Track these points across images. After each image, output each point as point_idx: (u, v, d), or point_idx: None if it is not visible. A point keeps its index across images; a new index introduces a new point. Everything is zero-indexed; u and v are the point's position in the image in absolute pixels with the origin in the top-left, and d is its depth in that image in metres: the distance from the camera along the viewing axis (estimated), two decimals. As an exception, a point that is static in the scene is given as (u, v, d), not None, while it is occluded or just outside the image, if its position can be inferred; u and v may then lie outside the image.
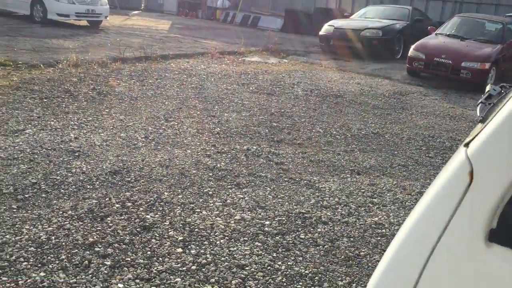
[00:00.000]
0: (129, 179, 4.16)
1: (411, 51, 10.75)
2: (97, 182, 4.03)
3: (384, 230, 3.67)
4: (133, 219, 3.49)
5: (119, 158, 4.59)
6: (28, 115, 5.59)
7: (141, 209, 3.66)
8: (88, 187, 3.94)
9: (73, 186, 3.91)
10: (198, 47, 12.67)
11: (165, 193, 3.97)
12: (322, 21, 14.65)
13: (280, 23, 20.43)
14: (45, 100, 6.28)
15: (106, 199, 3.76)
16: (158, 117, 6.07)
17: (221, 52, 12.01)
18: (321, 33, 13.52)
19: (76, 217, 3.44)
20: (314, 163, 5.03)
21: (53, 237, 3.15)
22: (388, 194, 4.37)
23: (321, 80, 9.75)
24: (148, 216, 3.55)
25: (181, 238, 3.30)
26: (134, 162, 4.52)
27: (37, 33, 11.83)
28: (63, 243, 3.10)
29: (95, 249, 3.07)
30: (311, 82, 9.41)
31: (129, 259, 3.00)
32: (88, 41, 11.60)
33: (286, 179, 4.53)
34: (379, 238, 3.55)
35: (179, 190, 4.05)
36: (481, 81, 9.92)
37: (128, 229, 3.35)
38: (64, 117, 5.71)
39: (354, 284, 2.95)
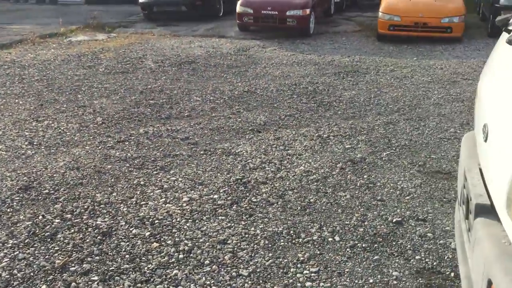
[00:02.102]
0: (47, 191, 3.84)
1: (238, 7, 11.21)
2: (14, 203, 3.64)
3: (315, 176, 4.08)
4: (84, 229, 3.30)
5: (18, 172, 4.16)
6: None
7: (84, 217, 3.46)
8: (8, 210, 3.55)
9: (-6, 214, 3.48)
10: (11, 34, 11.35)
11: (97, 195, 3.78)
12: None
13: (84, -5, 19.11)
14: None
15: (39, 217, 3.45)
16: (25, 120, 5.51)
17: (40, 36, 10.98)
18: (141, 0, 13.17)
19: (22, 244, 3.12)
20: (214, 131, 5.18)
21: (15, 271, 2.85)
22: (296, 144, 4.78)
23: (164, 49, 9.67)
24: (99, 222, 3.39)
25: (148, 233, 3.25)
26: (38, 172, 4.14)
27: None
28: (32, 275, 2.83)
29: (71, 269, 2.88)
30: (156, 53, 9.28)
31: (114, 267, 2.89)
32: None
33: (201, 152, 4.62)
34: (315, 184, 3.94)
35: (109, 189, 3.89)
36: (305, 26, 10.93)
37: (88, 240, 3.17)
38: None
39: (324, 227, 3.31)
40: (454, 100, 6.11)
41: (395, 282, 2.76)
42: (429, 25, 9.93)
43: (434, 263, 2.91)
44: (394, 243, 3.12)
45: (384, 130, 5.12)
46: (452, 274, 2.80)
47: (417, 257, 2.97)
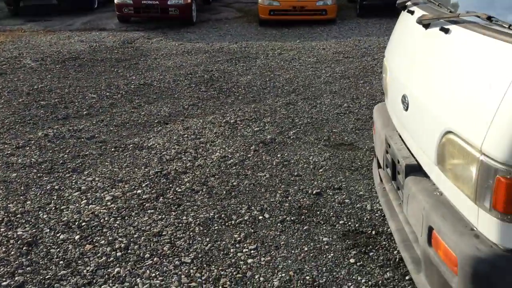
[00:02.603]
0: (-51, 208, 3.53)
1: (117, -2, 10.86)
2: None
3: (232, 160, 4.22)
4: (5, 241, 3.12)
5: None
6: None
7: (2, 229, 3.25)
8: None
9: None
10: None
11: (10, 205, 3.56)
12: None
13: None
14: None
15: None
16: None
17: None
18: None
19: None
20: (119, 127, 5.08)
21: None
22: (206, 132, 4.88)
23: (41, 46, 9.09)
24: (20, 232, 3.21)
25: (78, 236, 3.17)
26: None
27: None
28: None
29: (3, 284, 2.73)
30: (33, 50, 8.71)
31: (50, 275, 2.79)
32: None
33: (112, 149, 4.53)
34: (234, 168, 4.09)
35: (21, 197, 3.68)
36: (188, 15, 10.93)
37: (13, 252, 3.01)
38: None
39: (252, 207, 3.47)
40: (341, 78, 6.61)
41: (326, 246, 3.02)
42: (306, 9, 10.49)
43: (356, 225, 3.22)
44: (318, 212, 3.39)
45: (285, 110, 5.41)
46: (374, 232, 3.13)
47: (340, 222, 3.27)
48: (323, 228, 3.20)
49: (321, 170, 4.00)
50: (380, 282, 2.69)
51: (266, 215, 3.37)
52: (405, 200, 2.15)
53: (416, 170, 2.10)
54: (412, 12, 2.41)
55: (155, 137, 4.78)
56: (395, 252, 2.93)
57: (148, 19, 11.23)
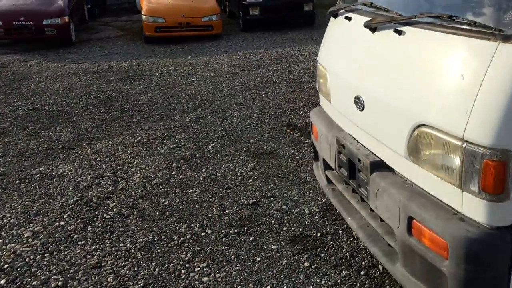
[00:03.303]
0: None
1: (-17, 20, 9.89)
2: None
3: (156, 180, 4.04)
4: None
5: None
6: None
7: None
8: None
9: None
10: None
11: None
12: None
13: None
14: None
15: None
16: None
17: None
18: None
19: None
20: (18, 157, 4.63)
21: None
22: (120, 153, 4.62)
23: None
24: None
25: (3, 281, 2.80)
26: None
27: None
28: None
29: None
30: None
31: None
32: None
33: (16, 182, 4.10)
34: (161, 187, 3.92)
35: None
36: (66, 35, 10.32)
37: None
38: None
39: (192, 225, 3.35)
40: (243, 90, 6.69)
41: (278, 254, 3.01)
42: (192, 25, 10.47)
43: (300, 229, 3.26)
44: (259, 222, 3.37)
45: (197, 125, 5.33)
46: (319, 234, 3.19)
47: (284, 228, 3.28)
48: (270, 237, 3.19)
49: (250, 180, 3.99)
50: (338, 281, 2.74)
51: (209, 231, 3.27)
52: (371, 196, 2.21)
53: (380, 166, 2.18)
54: (349, 18, 2.52)
55: (64, 164, 4.41)
56: (343, 250, 3.01)
57: (21, 41, 10.37)
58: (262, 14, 11.20)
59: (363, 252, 2.96)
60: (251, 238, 3.18)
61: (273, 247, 3.08)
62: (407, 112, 1.93)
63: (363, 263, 2.87)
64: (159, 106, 6.11)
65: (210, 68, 8.05)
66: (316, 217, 3.40)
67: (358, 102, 2.30)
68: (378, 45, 2.23)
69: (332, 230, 3.22)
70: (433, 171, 1.83)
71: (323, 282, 2.73)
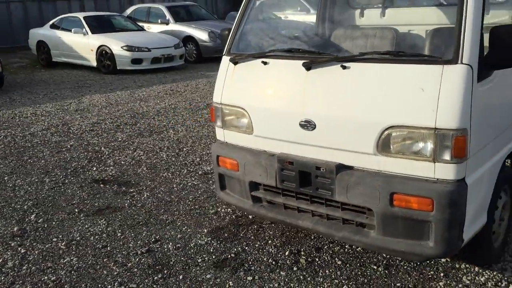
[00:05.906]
0: None
1: None
2: None
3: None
4: None
5: None
6: None
7: None
8: None
9: None
10: None
11: None
12: None
13: None
14: None
15: None
16: None
17: None
18: None
19: None
20: None
21: None
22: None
23: None
24: None
25: None
26: None
27: None
28: None
29: None
30: None
31: None
32: None
33: None
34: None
35: None
36: None
37: None
38: None
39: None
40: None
41: (218, 280, 3.11)
42: None
43: (213, 256, 3.40)
44: (171, 262, 3.33)
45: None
46: (233, 254, 3.41)
47: (199, 260, 3.36)
48: (195, 270, 3.23)
49: (119, 235, 3.79)
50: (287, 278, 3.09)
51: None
52: (340, 191, 2.71)
53: (342, 167, 2.74)
54: (265, 63, 3.01)
55: None
56: (265, 259, 3.35)
57: None
58: None
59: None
60: (180, 277, 3.16)
61: (207, 276, 3.16)
62: (373, 122, 2.57)
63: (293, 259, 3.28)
64: None
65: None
66: (214, 243, 3.59)
67: (307, 125, 2.78)
68: (319, 79, 2.77)
69: (239, 248, 3.50)
70: (406, 156, 2.52)
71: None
